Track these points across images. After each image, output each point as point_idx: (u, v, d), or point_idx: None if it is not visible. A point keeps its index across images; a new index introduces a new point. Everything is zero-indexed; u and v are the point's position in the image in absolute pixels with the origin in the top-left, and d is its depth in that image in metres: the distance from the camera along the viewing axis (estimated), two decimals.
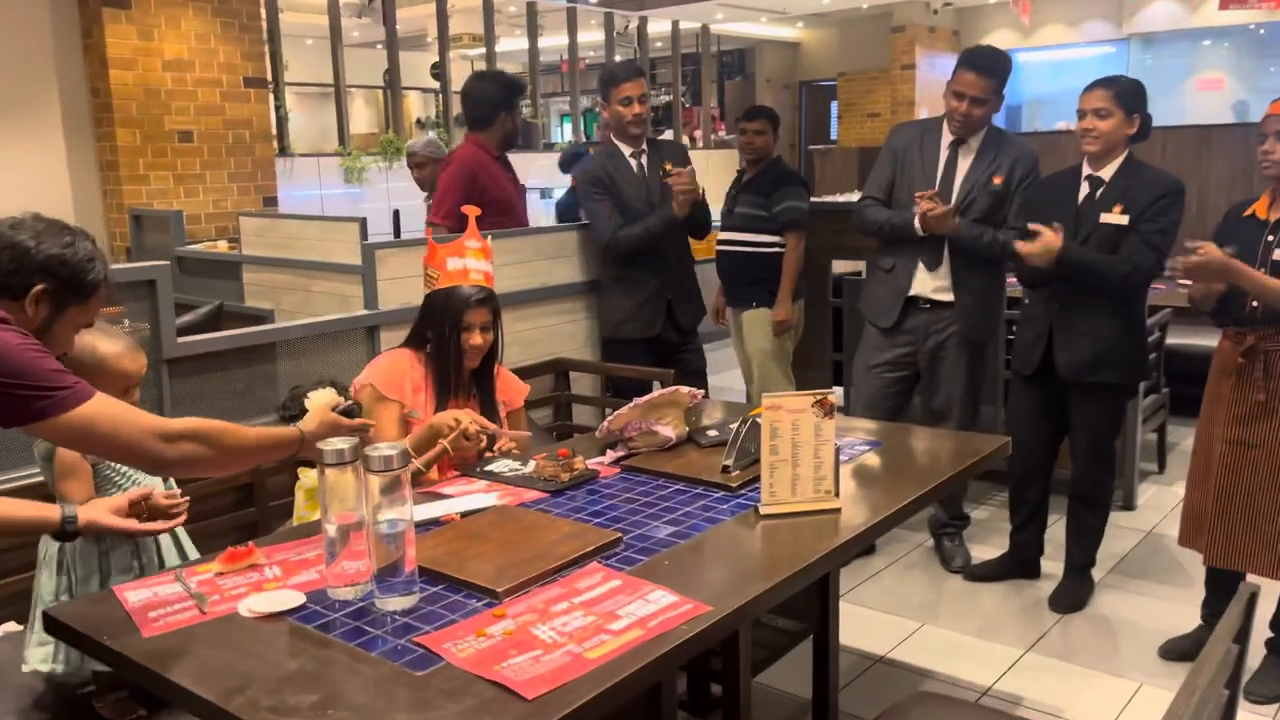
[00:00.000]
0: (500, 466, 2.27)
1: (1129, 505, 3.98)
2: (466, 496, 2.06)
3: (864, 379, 3.45)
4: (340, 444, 1.60)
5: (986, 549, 3.58)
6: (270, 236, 4.88)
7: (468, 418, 2.23)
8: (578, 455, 2.21)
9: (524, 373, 3.35)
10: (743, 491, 2.08)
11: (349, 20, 9.53)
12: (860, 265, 4.84)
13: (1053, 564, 3.34)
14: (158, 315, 2.44)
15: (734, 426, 2.32)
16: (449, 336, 2.37)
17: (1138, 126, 2.95)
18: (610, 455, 2.33)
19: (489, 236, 2.50)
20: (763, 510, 1.95)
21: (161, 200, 5.90)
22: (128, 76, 5.74)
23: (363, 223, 4.46)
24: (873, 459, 2.31)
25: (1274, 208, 2.60)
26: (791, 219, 3.90)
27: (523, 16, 9.87)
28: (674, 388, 2.36)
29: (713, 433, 2.41)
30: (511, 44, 11.45)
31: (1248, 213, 2.65)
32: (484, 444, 2.26)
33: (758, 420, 2.21)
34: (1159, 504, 4.08)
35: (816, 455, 1.96)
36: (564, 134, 13.18)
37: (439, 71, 9.00)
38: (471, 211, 2.45)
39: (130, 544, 1.92)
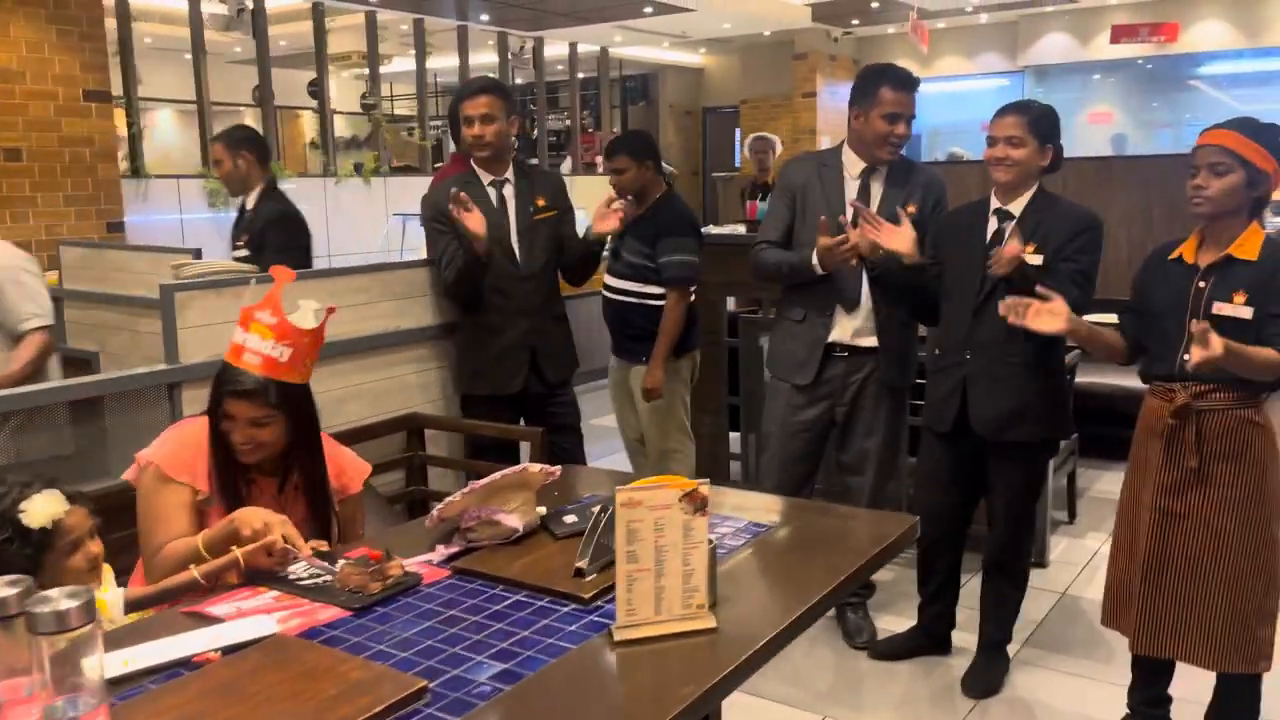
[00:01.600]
0: (298, 569, 1.80)
1: (1040, 562, 3.69)
2: (238, 621, 1.59)
3: (780, 441, 3.07)
4: (5, 587, 1.12)
5: (893, 618, 3.24)
6: (96, 269, 4.30)
7: (279, 528, 1.76)
8: (394, 558, 1.75)
9: (371, 431, 2.88)
10: (598, 604, 1.66)
11: (228, 36, 8.91)
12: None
13: (965, 635, 3.01)
14: None
15: (593, 512, 1.90)
16: (215, 422, 1.91)
17: (1050, 158, 2.66)
18: (440, 551, 1.88)
19: (325, 309, 1.97)
20: (618, 635, 1.53)
21: None
22: None
23: (197, 252, 3.95)
24: (760, 552, 1.92)
25: (1203, 250, 2.31)
26: (674, 275, 3.43)
27: (411, 36, 9.39)
28: (522, 466, 1.93)
29: (571, 519, 1.98)
30: (403, 64, 10.93)
31: (1174, 255, 2.36)
32: (289, 564, 1.78)
33: None
34: (1072, 558, 3.82)
35: (686, 561, 1.55)
36: None
37: (316, 89, 8.43)
38: (282, 275, 1.95)
39: None
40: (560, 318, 3.26)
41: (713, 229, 5.29)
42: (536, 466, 1.94)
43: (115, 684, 1.39)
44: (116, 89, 6.45)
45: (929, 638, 3.02)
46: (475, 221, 2.92)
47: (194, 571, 1.75)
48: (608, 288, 3.59)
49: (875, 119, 2.85)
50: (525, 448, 2.96)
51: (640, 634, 1.53)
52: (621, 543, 1.52)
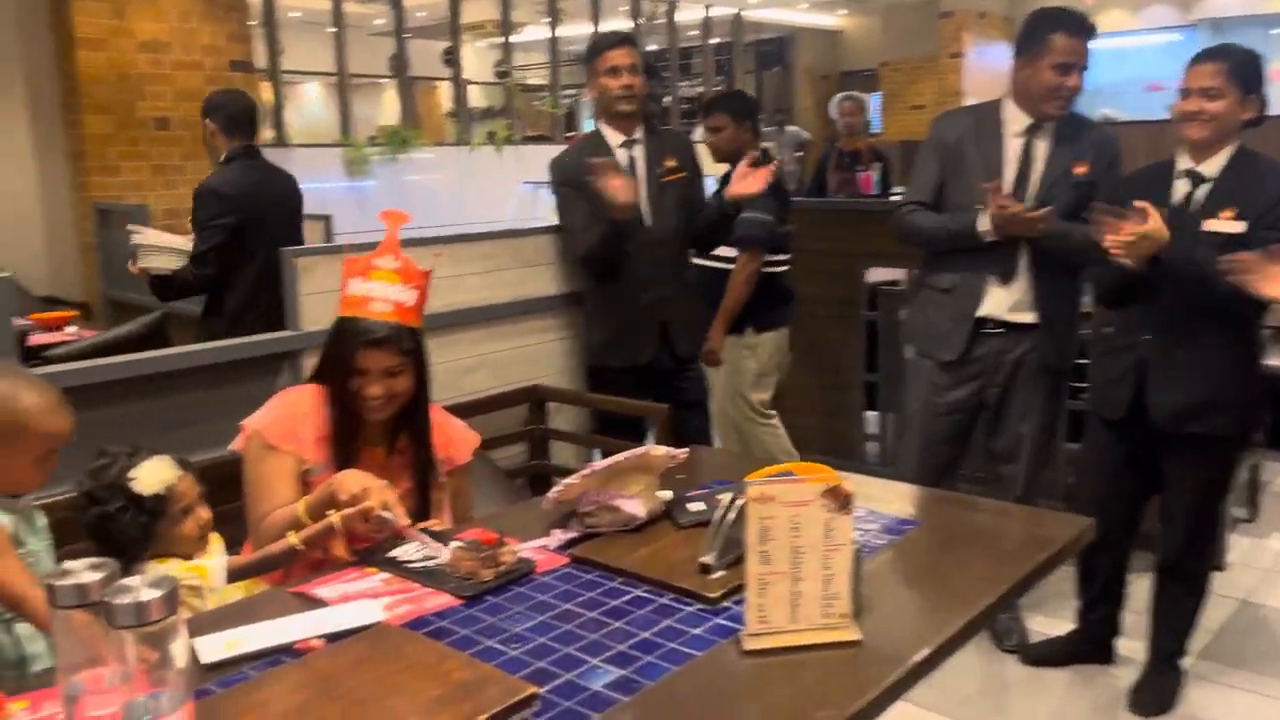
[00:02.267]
0: (407, 550, 1.71)
1: (1218, 565, 3.33)
2: (344, 607, 1.50)
3: (923, 423, 2.83)
4: (84, 571, 1.05)
5: (1046, 619, 2.97)
6: None
7: (378, 494, 1.67)
8: (507, 543, 1.64)
9: (493, 403, 2.80)
10: (726, 605, 1.50)
11: (368, 8, 9.06)
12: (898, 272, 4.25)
13: (1132, 642, 2.72)
14: None
15: (721, 501, 1.74)
16: (342, 382, 1.83)
17: (1253, 110, 2.32)
18: (556, 536, 1.76)
19: (439, 251, 1.92)
20: (748, 644, 1.37)
21: (136, 194, 5.42)
22: (98, 58, 5.26)
23: (326, 220, 3.97)
24: (904, 553, 1.71)
25: None
26: (743, 234, 3.24)
27: (545, 3, 9.31)
28: (645, 448, 1.78)
29: (696, 507, 1.83)
30: (536, 32, 10.90)
31: None
32: (387, 533, 1.69)
33: None
34: (1253, 561, 3.43)
35: (826, 565, 1.37)
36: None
37: (450, 57, 8.47)
38: (395, 218, 1.88)
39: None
40: (690, 286, 3.09)
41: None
42: (660, 449, 1.79)
43: (217, 668, 1.33)
44: (261, 61, 6.61)
45: (1089, 644, 2.74)
46: (623, 189, 2.75)
47: (291, 538, 1.68)
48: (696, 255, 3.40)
49: (1044, 69, 2.55)
50: (650, 437, 2.82)
51: (773, 643, 1.36)
52: (753, 542, 1.35)
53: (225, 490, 2.10)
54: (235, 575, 1.71)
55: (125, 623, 0.98)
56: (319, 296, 2.46)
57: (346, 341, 1.80)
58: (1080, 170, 2.58)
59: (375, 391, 1.82)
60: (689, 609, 1.49)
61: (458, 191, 7.48)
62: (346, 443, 1.86)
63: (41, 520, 1.56)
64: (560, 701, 1.24)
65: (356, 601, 1.52)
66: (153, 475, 1.63)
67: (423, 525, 1.70)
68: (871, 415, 4.20)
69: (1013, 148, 2.66)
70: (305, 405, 1.89)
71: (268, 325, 3.14)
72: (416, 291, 1.86)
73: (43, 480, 1.48)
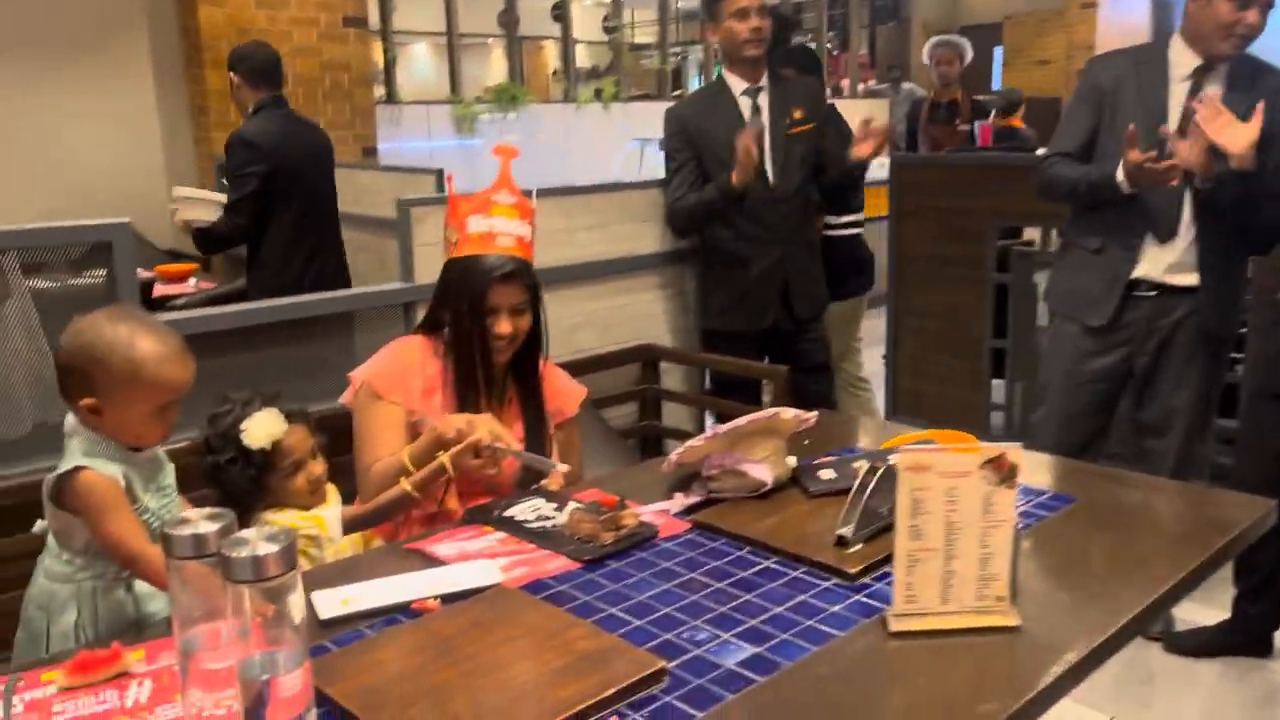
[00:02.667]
0: (524, 509, 1.64)
1: None
2: (460, 566, 1.44)
3: (1063, 393, 2.64)
4: (201, 522, 0.99)
5: (1195, 605, 2.75)
6: (348, 190, 4.40)
7: (484, 424, 1.62)
8: (628, 505, 1.55)
9: (604, 361, 2.72)
10: (866, 582, 1.39)
11: None
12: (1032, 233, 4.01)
13: None
14: (115, 288, 1.91)
15: (857, 469, 1.61)
16: (469, 322, 1.75)
17: None
18: (678, 500, 1.66)
19: (533, 193, 1.85)
20: (894, 625, 1.25)
21: None
22: (218, 15, 5.34)
23: (439, 174, 3.93)
24: (1061, 531, 1.56)
25: None
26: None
27: None
28: (774, 410, 1.67)
29: (827, 474, 1.70)
30: None
31: None
32: (497, 469, 1.64)
33: (893, 468, 1.50)
34: None
35: (984, 543, 1.24)
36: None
37: (559, 14, 8.37)
38: (507, 152, 1.81)
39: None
40: (813, 245, 2.95)
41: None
42: (790, 411, 1.67)
43: (332, 625, 1.28)
44: (373, 22, 6.63)
45: (1245, 635, 2.52)
46: (750, 160, 2.63)
47: (405, 484, 1.65)
48: None
49: (1220, 2, 2.30)
50: (766, 399, 2.70)
51: (922, 625, 1.24)
52: (905, 514, 1.23)
53: (340, 442, 2.08)
54: (350, 526, 1.67)
55: (242, 577, 0.92)
56: (433, 248, 2.40)
57: (475, 279, 1.74)
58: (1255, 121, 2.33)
59: (506, 329, 1.77)
60: (825, 584, 1.38)
61: (564, 149, 7.43)
62: (466, 391, 1.80)
63: (168, 477, 1.49)
64: (690, 678, 1.15)
65: (473, 561, 1.45)
66: (260, 429, 1.60)
67: (534, 457, 1.63)
68: (998, 383, 3.98)
69: (1178, 92, 2.42)
70: (413, 355, 1.84)
71: (314, 278, 3.25)
72: (531, 227, 1.81)
73: (163, 434, 1.41)
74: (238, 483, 1.59)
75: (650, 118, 8.86)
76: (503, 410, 1.87)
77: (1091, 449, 2.67)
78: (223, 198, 3.26)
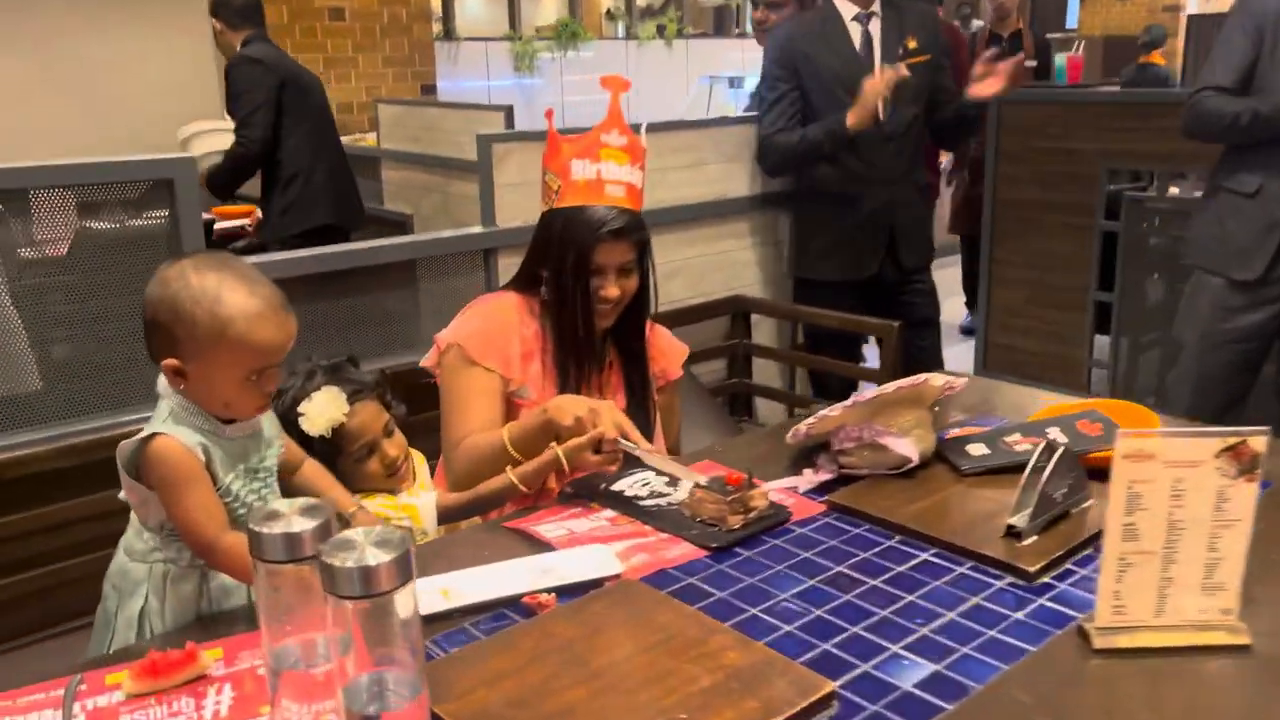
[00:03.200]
0: (634, 484, 1.46)
1: None
2: (572, 553, 1.26)
3: (1201, 352, 2.40)
4: (300, 517, 0.82)
5: None
6: (410, 127, 4.22)
7: (609, 417, 1.41)
8: (756, 482, 1.36)
9: (690, 314, 2.51)
10: (1048, 583, 1.18)
11: None
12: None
13: None
14: (178, 230, 1.74)
15: (1012, 444, 1.41)
16: (572, 283, 1.55)
17: None
18: (807, 478, 1.47)
19: (644, 126, 1.64)
20: (1099, 640, 1.05)
21: None
22: None
23: (508, 110, 3.72)
24: (1273, 520, 1.34)
25: None
26: None
27: None
28: (922, 376, 1.45)
29: (978, 450, 1.49)
30: None
31: None
32: (617, 466, 1.44)
33: (1070, 447, 1.30)
34: None
35: (1213, 546, 1.03)
36: None
37: None
38: (616, 84, 1.59)
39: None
40: (923, 189, 2.70)
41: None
42: (939, 377, 1.46)
43: (432, 622, 1.11)
44: None
45: None
46: (876, 108, 2.38)
47: (511, 475, 1.44)
48: None
49: None
50: (872, 356, 2.47)
51: (1132, 642, 1.04)
52: (1118, 510, 1.02)
53: (416, 401, 1.91)
54: (445, 516, 1.48)
55: (348, 592, 0.74)
56: (515, 189, 2.21)
57: (581, 234, 1.53)
58: None
59: (613, 292, 1.56)
60: (998, 584, 1.18)
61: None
62: (569, 359, 1.60)
63: (269, 458, 1.25)
64: (864, 703, 0.97)
65: (585, 547, 1.27)
66: (319, 415, 1.42)
67: (665, 460, 1.43)
68: (1102, 340, 3.72)
69: None
70: (509, 316, 1.63)
71: (332, 204, 3.17)
72: (642, 172, 1.59)
73: (258, 406, 1.20)
74: None
75: (714, 55, 8.51)
76: (603, 376, 1.68)
77: (1229, 416, 2.43)
78: (231, 124, 3.13)
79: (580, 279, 1.54)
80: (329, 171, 3.25)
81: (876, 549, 1.28)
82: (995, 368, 3.90)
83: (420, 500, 1.46)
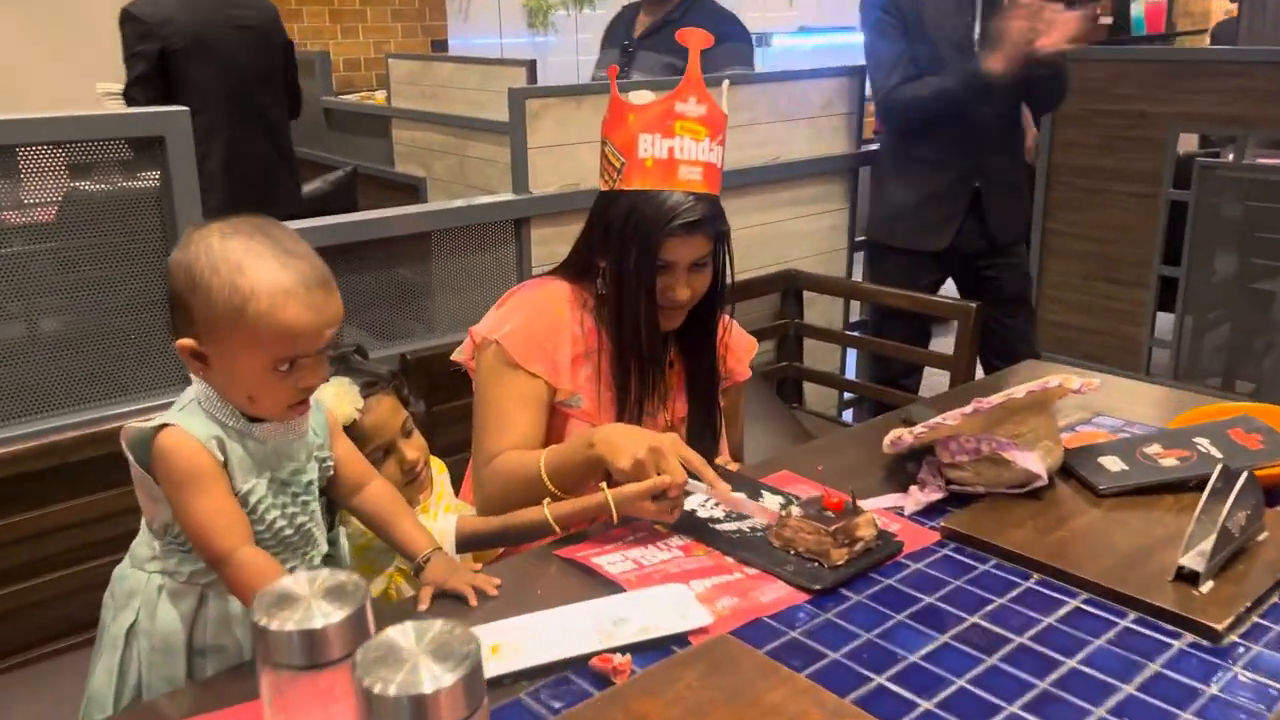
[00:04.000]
0: (708, 501, 1.23)
1: None
2: (644, 596, 1.04)
3: None
4: (324, 603, 0.60)
5: None
6: (424, 84, 3.96)
7: (673, 456, 1.16)
8: (859, 505, 1.13)
9: (735, 292, 2.26)
10: (1238, 642, 0.96)
11: None
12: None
13: None
14: (170, 193, 1.50)
15: (1166, 462, 1.18)
16: (635, 281, 1.31)
17: None
18: (914, 496, 1.24)
19: (725, 83, 1.40)
20: None
21: (316, 41, 5.06)
22: None
23: (530, 65, 3.46)
24: None
25: None
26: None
27: None
28: (1053, 379, 1.22)
29: (1114, 465, 1.27)
30: None
31: None
32: (678, 515, 1.19)
33: (1228, 463, 1.07)
34: None
35: None
36: None
37: None
38: (696, 38, 1.33)
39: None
40: (1016, 155, 2.44)
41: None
42: (1073, 377, 1.22)
43: None
44: None
45: None
46: (1020, 39, 2.12)
47: (547, 513, 1.20)
48: None
49: None
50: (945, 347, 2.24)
51: None
52: None
53: (439, 391, 1.69)
54: (467, 544, 1.24)
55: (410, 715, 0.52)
56: (551, 152, 1.96)
57: (648, 226, 1.28)
58: None
59: (683, 294, 1.32)
60: (1176, 644, 0.96)
61: None
62: (628, 364, 1.36)
63: (307, 474, 1.03)
64: None
65: (662, 588, 1.05)
66: (329, 402, 1.19)
67: (741, 500, 1.18)
68: (1165, 317, 3.48)
69: None
70: (561, 312, 1.37)
71: (225, 195, 2.67)
72: (722, 148, 1.33)
73: (291, 405, 0.97)
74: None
75: (741, 11, 8.16)
76: (664, 379, 1.44)
77: None
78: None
79: (645, 277, 1.29)
80: (225, 159, 2.77)
81: (1013, 592, 1.05)
82: (1046, 347, 3.67)
83: (439, 525, 1.22)
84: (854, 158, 2.58)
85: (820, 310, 2.51)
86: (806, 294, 2.45)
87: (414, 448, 1.26)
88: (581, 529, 1.22)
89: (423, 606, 1.01)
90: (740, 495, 1.18)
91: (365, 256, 1.83)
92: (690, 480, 1.15)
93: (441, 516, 1.26)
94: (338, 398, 1.19)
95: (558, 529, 1.17)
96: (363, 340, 1.41)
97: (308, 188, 3.36)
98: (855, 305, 2.67)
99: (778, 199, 2.45)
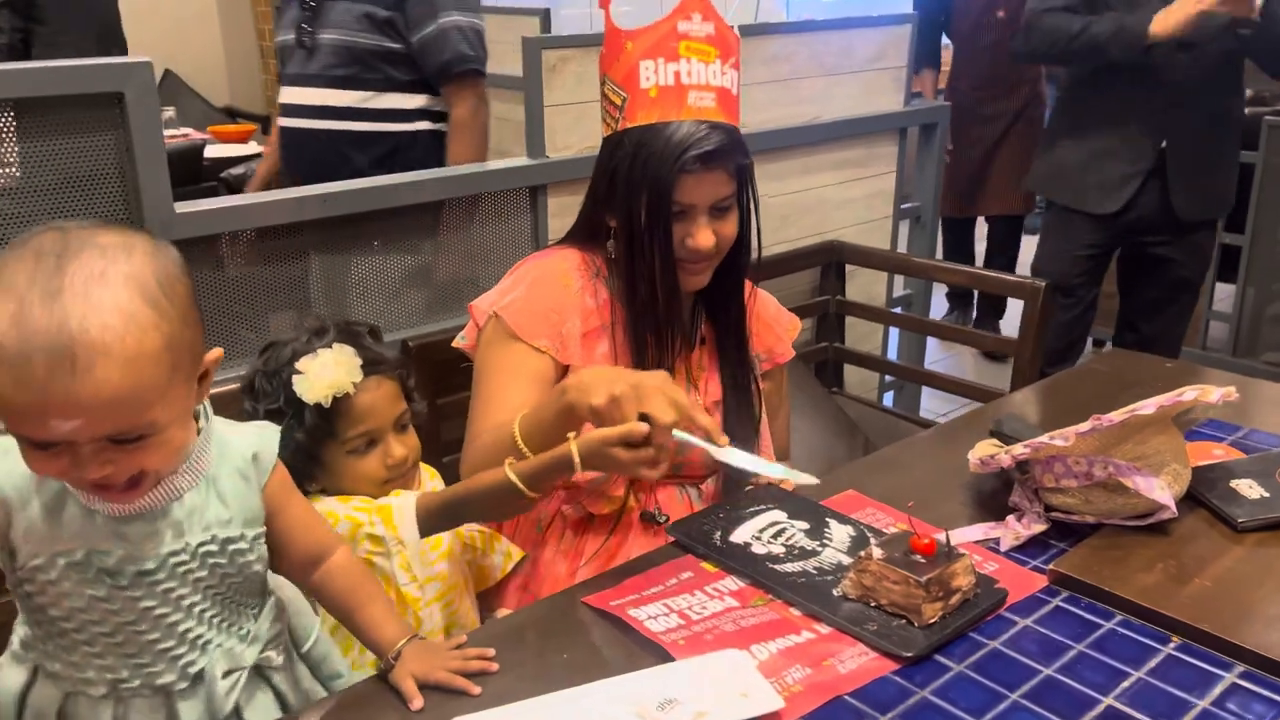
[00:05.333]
0: (763, 530, 1.03)
1: None
2: (699, 665, 0.84)
3: None
4: None
5: None
6: None
7: (657, 394, 0.93)
8: (959, 553, 0.92)
9: (771, 266, 2.03)
10: None
11: None
12: None
13: None
14: (131, 156, 1.29)
15: None
16: (647, 231, 1.12)
17: None
18: (1011, 529, 1.04)
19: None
20: None
21: None
22: None
23: (544, 15, 3.21)
24: None
25: None
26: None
27: None
28: (1187, 392, 1.00)
29: (1251, 490, 1.06)
30: None
31: None
32: (668, 467, 0.97)
33: None
34: None
35: None
36: None
37: None
38: None
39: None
40: (1224, 118, 2.15)
41: None
42: (1214, 390, 1.01)
43: None
44: None
45: None
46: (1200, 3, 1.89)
47: (508, 471, 0.96)
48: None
49: None
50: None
51: None
52: None
53: (441, 381, 1.50)
54: (429, 522, 1.04)
55: None
56: (570, 110, 1.74)
57: (657, 163, 1.09)
58: None
59: (705, 240, 1.13)
60: None
61: None
62: (645, 335, 1.17)
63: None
64: None
65: (717, 656, 0.85)
66: (319, 377, 1.02)
67: (746, 457, 0.97)
68: (1223, 288, 3.25)
69: None
70: (567, 282, 1.20)
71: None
72: (737, 71, 1.15)
73: (69, 483, 0.73)
74: (281, 450, 1.00)
75: None
76: (692, 357, 1.25)
77: None
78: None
79: (659, 225, 1.11)
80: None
81: (1151, 662, 0.85)
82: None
83: (397, 501, 1.04)
84: (903, 115, 2.34)
85: (860, 285, 2.29)
86: (849, 268, 2.22)
87: (405, 445, 1.10)
88: (554, 489, 1.08)
89: (416, 705, 0.81)
90: (751, 457, 0.97)
91: (359, 230, 1.62)
92: (679, 434, 0.94)
93: (402, 497, 1.07)
94: (337, 365, 1.04)
95: (524, 488, 0.95)
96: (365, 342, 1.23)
97: None
98: (899, 280, 2.44)
99: (818, 162, 2.21)
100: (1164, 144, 2.09)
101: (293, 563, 0.88)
